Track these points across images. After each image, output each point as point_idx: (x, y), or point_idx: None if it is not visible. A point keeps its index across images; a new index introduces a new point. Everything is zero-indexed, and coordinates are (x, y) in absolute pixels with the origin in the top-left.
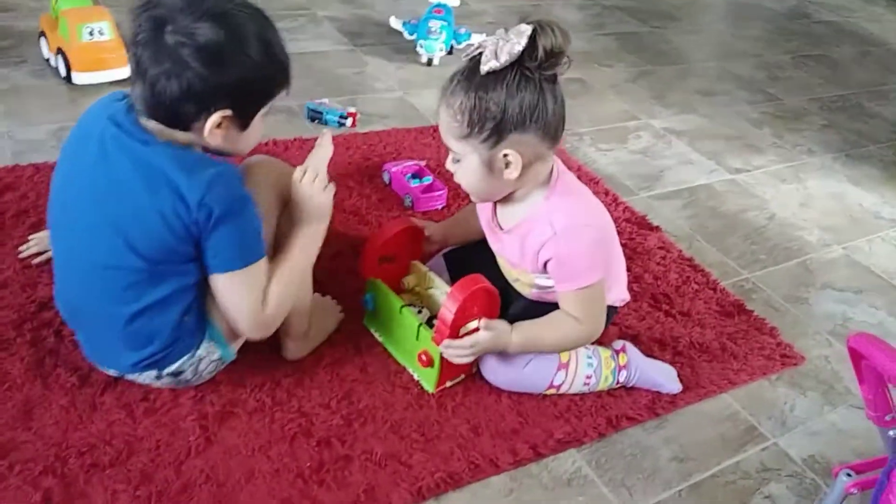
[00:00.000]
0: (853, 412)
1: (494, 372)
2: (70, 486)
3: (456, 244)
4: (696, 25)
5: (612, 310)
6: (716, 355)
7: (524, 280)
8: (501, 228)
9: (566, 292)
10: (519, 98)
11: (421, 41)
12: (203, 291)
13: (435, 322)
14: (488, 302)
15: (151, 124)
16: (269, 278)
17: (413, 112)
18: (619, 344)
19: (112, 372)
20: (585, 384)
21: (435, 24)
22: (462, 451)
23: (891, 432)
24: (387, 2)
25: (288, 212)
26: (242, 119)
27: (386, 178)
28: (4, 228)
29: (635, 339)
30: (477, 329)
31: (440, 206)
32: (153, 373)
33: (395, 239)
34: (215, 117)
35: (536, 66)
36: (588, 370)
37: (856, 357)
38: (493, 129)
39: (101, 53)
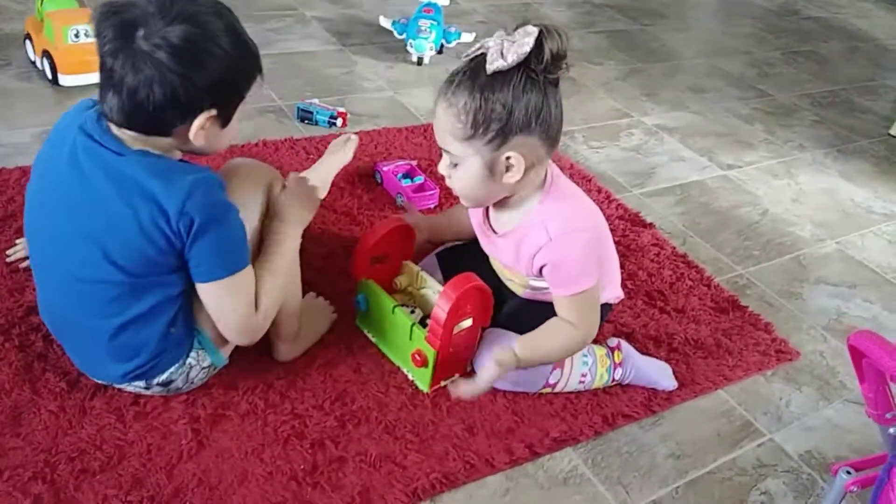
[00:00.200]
0: (849, 407)
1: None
2: (60, 492)
3: (444, 241)
4: (685, 23)
5: (606, 307)
6: (711, 351)
7: (518, 281)
8: (495, 232)
9: (561, 297)
10: (525, 100)
11: (411, 40)
12: (189, 300)
13: (428, 322)
14: (481, 300)
15: (124, 133)
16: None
17: (404, 111)
18: (614, 342)
19: (100, 381)
20: (581, 382)
21: (424, 24)
22: (457, 451)
23: (891, 430)
24: (375, 1)
25: (269, 213)
26: (225, 116)
27: (377, 177)
28: None
29: (630, 337)
30: (470, 327)
31: (432, 206)
32: (141, 383)
33: (386, 238)
34: (200, 119)
35: (542, 68)
36: (583, 368)
37: (856, 355)
38: (498, 130)
39: (87, 55)
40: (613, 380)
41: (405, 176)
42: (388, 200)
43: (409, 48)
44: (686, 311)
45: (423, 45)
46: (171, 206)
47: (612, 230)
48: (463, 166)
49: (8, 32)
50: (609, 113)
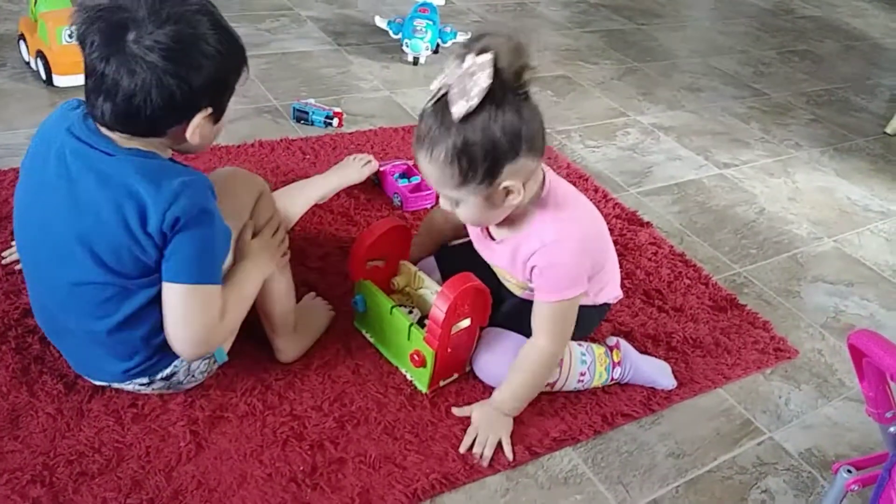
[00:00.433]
0: (848, 405)
1: (488, 370)
2: (59, 496)
3: (434, 252)
4: (681, 22)
5: (605, 307)
6: (709, 350)
7: (516, 282)
8: (493, 239)
9: (543, 302)
10: (503, 130)
11: (406, 40)
12: None
13: (426, 322)
14: (479, 300)
15: (113, 133)
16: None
17: (400, 111)
18: (612, 340)
19: (99, 382)
20: (580, 381)
21: (420, 23)
22: (457, 452)
23: (891, 429)
24: (370, 1)
25: (238, 255)
26: (218, 112)
27: (374, 177)
28: None
29: (628, 336)
30: (468, 327)
31: (429, 206)
32: (144, 379)
33: (383, 239)
34: (198, 118)
35: (509, 90)
36: (582, 367)
37: (856, 354)
38: (487, 169)
39: (81, 56)
40: (612, 379)
41: (402, 176)
42: (384, 201)
43: (404, 48)
44: (684, 310)
45: (419, 45)
46: (158, 208)
47: (609, 229)
48: (463, 205)
49: (2, 33)
50: (605, 112)
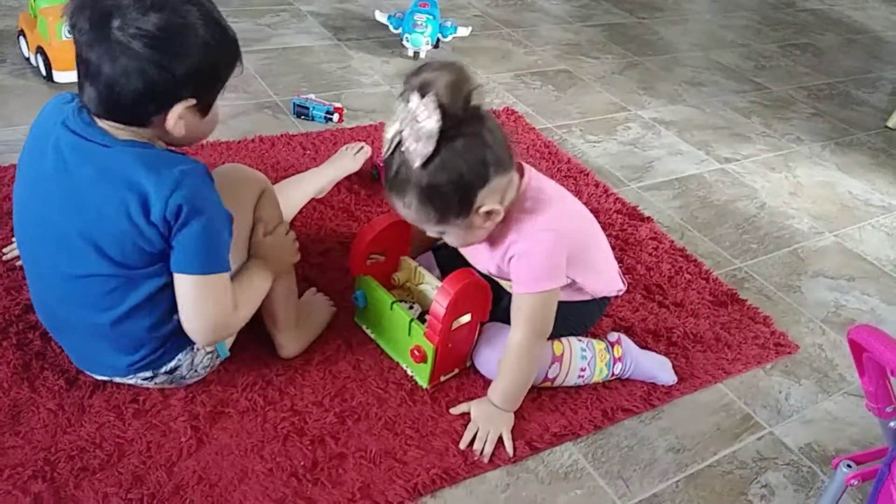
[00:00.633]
0: (848, 399)
1: (489, 366)
2: (60, 491)
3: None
4: (682, 16)
5: (604, 301)
6: (710, 345)
7: (506, 280)
8: None
9: (520, 295)
10: (466, 163)
11: (407, 35)
12: None
13: (427, 317)
14: (480, 296)
15: (109, 124)
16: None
17: None
18: (613, 336)
19: (101, 377)
20: (580, 377)
21: (420, 18)
22: (457, 447)
23: (892, 424)
24: None
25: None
26: (204, 105)
27: (374, 173)
28: None
29: (629, 331)
30: (469, 322)
31: None
32: (148, 373)
33: (384, 234)
34: (179, 108)
35: (460, 121)
36: (582, 363)
37: (856, 349)
38: (459, 203)
39: None
40: (613, 374)
41: None
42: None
43: (405, 42)
44: (685, 305)
45: (419, 40)
46: (160, 196)
47: (610, 224)
48: (448, 234)
49: (1, 29)
50: (606, 107)
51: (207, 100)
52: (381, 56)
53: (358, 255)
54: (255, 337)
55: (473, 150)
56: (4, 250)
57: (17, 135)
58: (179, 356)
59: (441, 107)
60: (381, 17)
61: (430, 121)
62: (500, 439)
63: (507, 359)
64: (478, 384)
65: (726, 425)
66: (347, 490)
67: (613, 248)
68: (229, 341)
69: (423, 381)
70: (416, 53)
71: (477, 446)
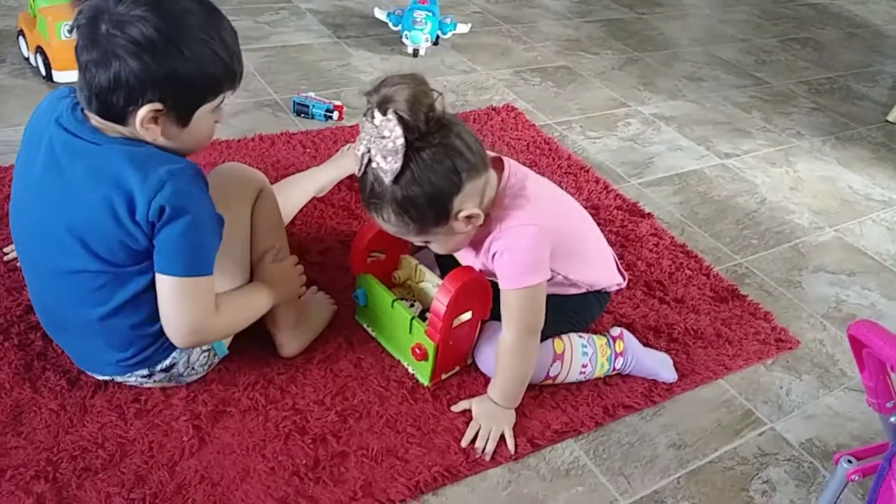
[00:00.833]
0: (849, 395)
1: (490, 363)
2: (62, 491)
3: None
4: (682, 10)
5: (604, 296)
6: (711, 341)
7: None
8: None
9: (507, 290)
10: (436, 173)
11: (406, 32)
12: None
13: (428, 315)
14: (480, 293)
15: (97, 121)
16: (222, 302)
17: None
18: (616, 331)
19: (101, 377)
20: (581, 373)
21: (420, 15)
22: (459, 445)
23: (892, 419)
24: None
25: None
26: (178, 114)
27: None
28: None
29: (630, 327)
30: (470, 320)
31: None
32: (144, 371)
33: (384, 233)
34: (143, 111)
35: (424, 133)
36: (584, 359)
37: (856, 345)
38: (436, 212)
39: None
40: (614, 369)
41: None
42: None
43: (404, 40)
44: (685, 301)
45: (419, 37)
46: (144, 196)
47: (610, 221)
48: (432, 242)
49: (1, 29)
50: (606, 102)
51: (181, 109)
52: (380, 53)
53: (358, 254)
54: (255, 336)
55: (442, 160)
56: (5, 250)
57: (16, 135)
58: (174, 354)
59: (403, 122)
60: (380, 14)
61: (393, 138)
62: (502, 437)
63: (500, 356)
64: (479, 382)
65: (727, 421)
66: (349, 488)
67: (613, 245)
68: (228, 340)
69: (424, 379)
70: (416, 51)
71: (479, 444)
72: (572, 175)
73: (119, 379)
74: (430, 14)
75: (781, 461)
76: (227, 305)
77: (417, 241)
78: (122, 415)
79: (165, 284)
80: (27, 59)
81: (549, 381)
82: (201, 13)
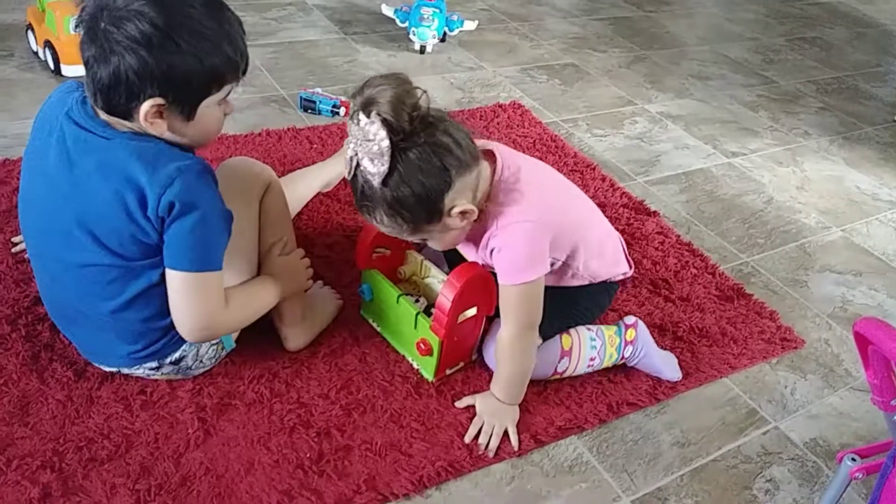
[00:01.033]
0: (854, 395)
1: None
2: (68, 481)
3: None
4: (689, 9)
5: (612, 286)
6: (716, 340)
7: None
8: None
9: (506, 286)
10: (425, 172)
11: (413, 28)
12: None
13: (433, 310)
14: (485, 289)
15: (104, 114)
16: (231, 296)
17: None
18: (630, 320)
19: (108, 368)
20: (589, 366)
21: (427, 11)
22: (462, 440)
23: None
24: None
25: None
26: (182, 108)
27: None
28: None
29: None
30: (475, 316)
31: None
32: (153, 363)
33: None
34: (146, 106)
35: (409, 133)
36: (592, 352)
37: (862, 342)
38: (427, 211)
39: None
40: (623, 357)
41: None
42: None
43: (411, 36)
44: (691, 300)
45: (426, 34)
46: (155, 191)
47: (616, 218)
48: (429, 240)
49: (10, 23)
50: (613, 101)
51: (185, 104)
52: (387, 50)
53: (364, 249)
54: (261, 330)
55: (430, 158)
56: (14, 240)
57: (25, 128)
58: (184, 347)
59: (387, 123)
60: (387, 10)
61: (378, 141)
62: (506, 433)
63: (500, 353)
64: (483, 378)
65: (731, 420)
66: (353, 482)
67: None
68: (235, 333)
69: (428, 375)
70: (423, 47)
71: (482, 440)
72: (578, 173)
73: (126, 370)
74: (437, 11)
75: (785, 460)
76: (237, 300)
77: (413, 239)
78: (129, 406)
79: (175, 280)
80: (35, 53)
81: (557, 377)
82: (201, 5)
